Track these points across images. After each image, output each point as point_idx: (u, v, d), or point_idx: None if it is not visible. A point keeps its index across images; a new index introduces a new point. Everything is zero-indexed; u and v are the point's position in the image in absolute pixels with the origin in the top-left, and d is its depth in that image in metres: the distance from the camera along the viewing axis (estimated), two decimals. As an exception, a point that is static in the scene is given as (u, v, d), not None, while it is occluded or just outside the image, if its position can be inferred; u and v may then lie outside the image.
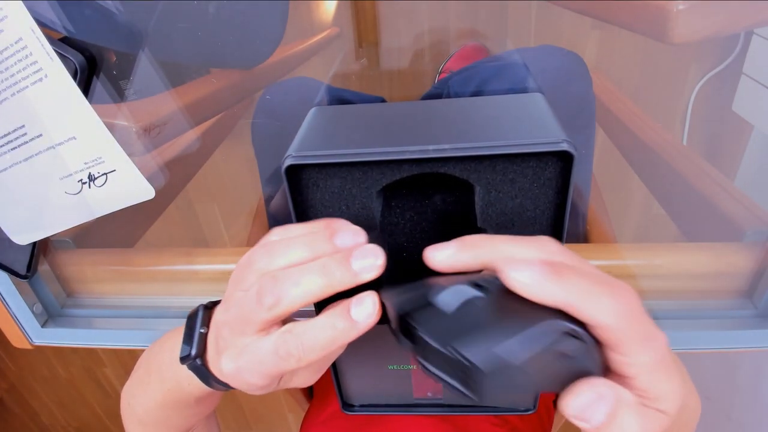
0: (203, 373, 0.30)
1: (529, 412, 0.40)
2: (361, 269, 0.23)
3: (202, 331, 0.30)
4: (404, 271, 0.37)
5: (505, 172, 0.28)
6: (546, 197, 0.29)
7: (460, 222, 0.35)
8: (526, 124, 0.29)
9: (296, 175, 0.29)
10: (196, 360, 0.30)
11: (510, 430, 0.53)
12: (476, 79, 0.50)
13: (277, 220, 0.57)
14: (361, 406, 0.42)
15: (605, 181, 0.64)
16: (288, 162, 0.28)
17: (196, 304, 0.32)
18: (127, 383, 0.40)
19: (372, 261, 0.23)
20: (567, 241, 0.31)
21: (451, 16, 0.95)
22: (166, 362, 0.34)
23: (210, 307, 0.32)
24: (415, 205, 0.34)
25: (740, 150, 0.54)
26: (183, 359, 0.30)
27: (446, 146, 0.27)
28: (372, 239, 0.33)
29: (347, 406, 0.42)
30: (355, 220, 0.31)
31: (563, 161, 0.27)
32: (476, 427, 0.51)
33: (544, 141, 0.26)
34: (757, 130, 0.38)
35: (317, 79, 0.55)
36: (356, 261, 0.23)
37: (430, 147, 0.27)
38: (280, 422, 1.47)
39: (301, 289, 0.23)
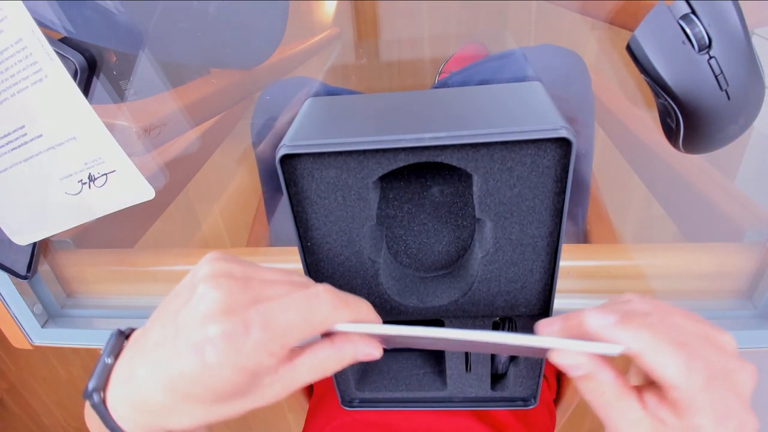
0: (101, 412, 0.25)
1: (530, 407, 0.40)
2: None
3: (108, 361, 0.26)
4: (402, 264, 0.37)
5: (503, 160, 0.28)
6: (545, 186, 0.29)
7: (458, 213, 0.35)
8: (525, 111, 0.29)
9: (291, 165, 0.29)
10: (92, 395, 0.25)
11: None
12: (476, 79, 0.50)
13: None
14: (361, 401, 0.42)
15: (605, 181, 0.64)
16: (282, 152, 0.27)
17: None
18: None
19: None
20: (567, 242, 0.31)
21: (451, 16, 0.95)
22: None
23: (128, 334, 0.27)
24: (413, 197, 0.34)
25: (740, 150, 0.54)
26: (84, 394, 0.25)
27: (443, 134, 0.26)
28: (369, 231, 0.32)
29: (346, 401, 0.42)
30: (352, 212, 0.31)
31: (562, 148, 0.27)
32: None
33: (543, 128, 0.26)
34: (757, 130, 0.38)
35: (317, 79, 0.55)
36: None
37: (426, 135, 0.26)
38: (280, 422, 1.47)
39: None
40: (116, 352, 0.26)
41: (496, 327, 0.38)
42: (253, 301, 0.23)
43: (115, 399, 0.25)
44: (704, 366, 0.23)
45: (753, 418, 0.24)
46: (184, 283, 0.26)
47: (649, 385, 0.26)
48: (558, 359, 0.25)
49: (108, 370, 0.26)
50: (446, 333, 0.25)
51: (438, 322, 0.39)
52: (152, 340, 0.24)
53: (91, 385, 0.25)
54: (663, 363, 0.23)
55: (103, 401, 0.25)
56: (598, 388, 0.25)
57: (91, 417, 0.29)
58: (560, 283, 0.42)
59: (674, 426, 0.24)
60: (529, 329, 0.38)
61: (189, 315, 0.23)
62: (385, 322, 0.35)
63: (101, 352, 0.26)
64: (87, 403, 0.28)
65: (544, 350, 0.26)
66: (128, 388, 0.25)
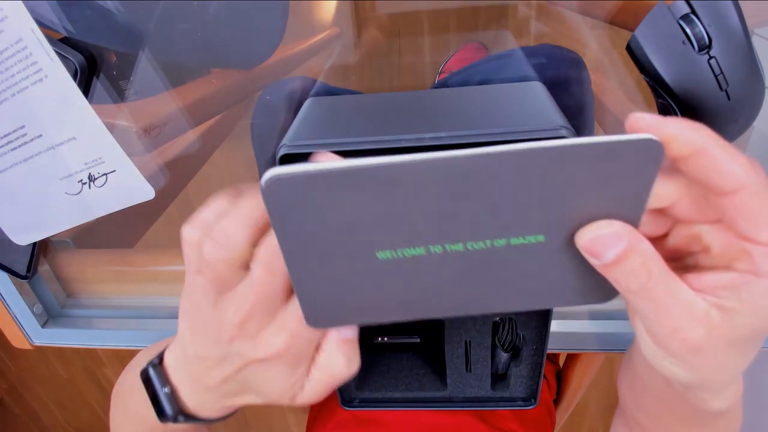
0: (195, 419, 0.29)
1: (530, 407, 0.40)
2: None
3: (166, 391, 0.28)
4: None
5: None
6: None
7: None
8: (525, 111, 0.29)
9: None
10: (178, 418, 0.28)
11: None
12: (476, 79, 0.50)
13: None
14: (361, 401, 0.42)
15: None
16: (283, 151, 0.27)
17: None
18: (111, 409, 0.37)
19: None
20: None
21: (451, 16, 0.95)
22: (141, 408, 0.30)
23: (158, 363, 0.29)
24: None
25: (740, 150, 0.54)
26: (167, 420, 0.28)
27: (443, 134, 0.26)
28: None
29: (346, 401, 0.42)
30: None
31: None
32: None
33: (543, 128, 0.26)
34: (757, 130, 0.38)
35: (317, 79, 0.55)
36: None
37: (427, 135, 0.26)
38: (280, 422, 1.47)
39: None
40: (165, 379, 0.28)
41: (496, 326, 0.38)
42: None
43: (198, 407, 0.28)
44: (762, 169, 0.19)
45: None
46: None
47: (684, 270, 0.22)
48: (588, 233, 0.20)
49: (173, 396, 0.28)
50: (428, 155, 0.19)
51: (438, 322, 0.39)
52: (204, 360, 0.26)
53: (170, 411, 0.28)
54: (728, 160, 0.18)
55: (189, 415, 0.28)
56: (643, 266, 0.19)
57: (136, 415, 0.32)
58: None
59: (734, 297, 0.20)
60: (529, 328, 0.38)
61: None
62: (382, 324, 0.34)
63: (151, 389, 0.28)
64: (125, 400, 0.33)
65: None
66: (211, 397, 0.27)
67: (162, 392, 0.28)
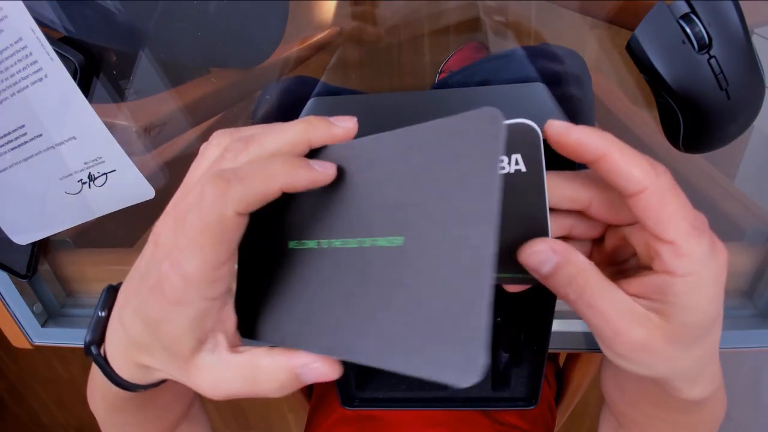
0: (101, 364, 0.24)
1: (531, 407, 0.40)
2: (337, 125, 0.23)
3: (101, 314, 0.25)
4: None
5: None
6: None
7: None
8: (526, 112, 0.29)
9: None
10: (91, 348, 0.24)
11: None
12: (476, 79, 0.50)
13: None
14: (361, 401, 0.42)
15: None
16: None
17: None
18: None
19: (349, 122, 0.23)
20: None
21: (451, 16, 0.95)
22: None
23: (117, 286, 0.26)
24: None
25: (740, 150, 0.54)
26: (84, 350, 0.25)
27: None
28: None
29: (347, 401, 0.42)
30: None
31: None
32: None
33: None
34: (757, 130, 0.38)
35: (317, 79, 0.55)
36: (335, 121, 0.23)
37: None
38: (280, 422, 1.47)
39: (277, 138, 0.21)
40: (109, 305, 0.25)
41: (497, 327, 0.38)
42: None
43: (113, 349, 0.24)
44: (666, 172, 0.21)
45: (721, 244, 0.22)
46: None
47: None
48: (528, 248, 0.21)
49: (102, 323, 0.25)
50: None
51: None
52: (134, 281, 0.24)
53: (87, 338, 0.25)
54: (628, 163, 0.20)
55: (103, 354, 0.24)
56: (579, 275, 0.21)
57: (94, 387, 0.30)
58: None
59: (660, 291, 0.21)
60: (530, 328, 0.38)
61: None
62: None
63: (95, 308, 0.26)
64: (90, 374, 0.29)
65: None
66: (120, 335, 0.23)
67: (96, 314, 0.25)
